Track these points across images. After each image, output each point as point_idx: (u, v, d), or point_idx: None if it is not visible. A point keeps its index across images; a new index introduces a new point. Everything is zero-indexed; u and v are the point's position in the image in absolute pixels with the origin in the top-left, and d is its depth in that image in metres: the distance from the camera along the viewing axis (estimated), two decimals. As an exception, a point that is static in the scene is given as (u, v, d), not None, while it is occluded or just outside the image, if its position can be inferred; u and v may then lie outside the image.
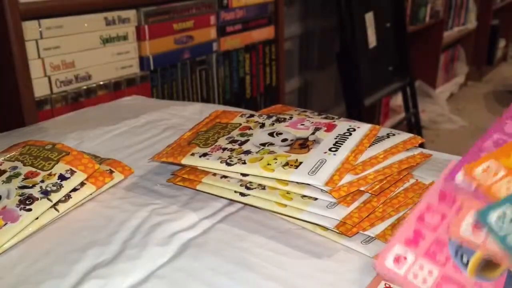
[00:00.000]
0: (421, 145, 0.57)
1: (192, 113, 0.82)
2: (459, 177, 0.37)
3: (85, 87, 1.00)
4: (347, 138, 0.52)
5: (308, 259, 0.44)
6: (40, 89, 0.93)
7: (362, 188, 0.48)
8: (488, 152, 0.38)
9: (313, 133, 0.54)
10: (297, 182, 0.48)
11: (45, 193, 0.49)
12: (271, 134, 0.55)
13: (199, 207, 0.52)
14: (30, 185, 0.50)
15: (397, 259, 0.36)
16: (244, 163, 0.51)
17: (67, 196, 0.51)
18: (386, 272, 0.36)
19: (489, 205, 0.35)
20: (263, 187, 0.50)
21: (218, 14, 1.27)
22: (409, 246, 0.36)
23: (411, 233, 0.37)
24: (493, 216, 0.34)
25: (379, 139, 0.53)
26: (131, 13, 1.06)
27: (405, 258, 0.36)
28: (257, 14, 1.40)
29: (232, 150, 0.53)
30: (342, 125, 0.55)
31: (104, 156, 0.61)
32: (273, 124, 0.57)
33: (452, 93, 2.88)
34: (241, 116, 0.61)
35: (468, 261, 0.34)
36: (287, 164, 0.49)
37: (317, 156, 0.50)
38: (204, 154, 0.54)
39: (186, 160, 0.54)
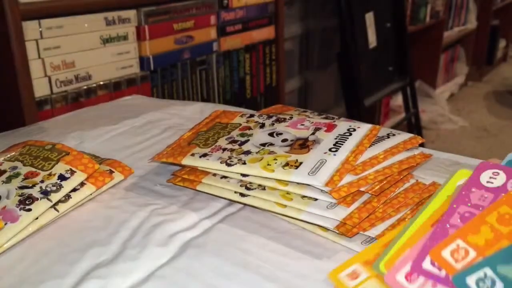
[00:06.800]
0: (421, 145, 0.57)
1: (192, 113, 0.82)
2: (426, 264, 0.34)
3: (85, 87, 1.00)
4: (347, 138, 0.52)
5: (308, 260, 0.44)
6: (40, 89, 0.93)
7: (362, 189, 0.48)
8: (455, 228, 0.35)
9: (313, 133, 0.54)
10: (297, 183, 0.48)
11: (45, 193, 0.49)
12: (271, 134, 0.55)
13: (199, 207, 0.52)
14: (30, 185, 0.50)
15: (409, 274, 0.35)
16: (244, 163, 0.51)
17: (67, 196, 0.51)
18: (395, 285, 0.34)
19: (464, 270, 0.33)
20: (263, 188, 0.50)
21: (218, 14, 1.27)
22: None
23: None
24: (470, 281, 0.33)
25: (379, 139, 0.53)
26: (131, 13, 1.06)
27: (418, 276, 0.35)
28: (257, 14, 1.40)
29: (232, 150, 0.53)
30: (342, 125, 0.55)
31: (104, 156, 0.61)
32: (273, 124, 0.57)
33: (452, 93, 2.88)
34: (241, 116, 0.61)
35: None
36: (287, 164, 0.49)
37: (317, 157, 0.49)
38: (204, 155, 0.54)
39: (186, 161, 0.54)
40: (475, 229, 0.35)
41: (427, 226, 0.37)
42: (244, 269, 0.42)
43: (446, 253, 0.34)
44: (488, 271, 0.32)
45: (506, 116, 2.61)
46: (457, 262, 0.34)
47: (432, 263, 0.34)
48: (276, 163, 0.49)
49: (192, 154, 0.54)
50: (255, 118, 0.59)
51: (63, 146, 0.56)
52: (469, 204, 0.37)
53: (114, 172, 0.57)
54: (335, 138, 0.52)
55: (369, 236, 0.46)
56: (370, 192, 0.48)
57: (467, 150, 2.15)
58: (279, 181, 0.49)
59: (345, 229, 0.45)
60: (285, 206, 0.48)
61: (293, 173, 0.48)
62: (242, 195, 0.51)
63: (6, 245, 0.45)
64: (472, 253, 0.34)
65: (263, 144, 0.53)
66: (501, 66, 3.49)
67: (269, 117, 0.59)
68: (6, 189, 0.49)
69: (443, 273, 0.34)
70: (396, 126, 2.06)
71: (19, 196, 0.49)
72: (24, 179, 0.51)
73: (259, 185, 0.50)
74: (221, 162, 0.52)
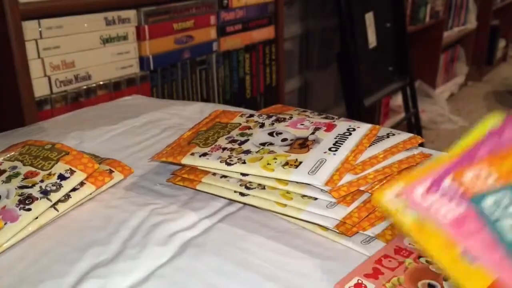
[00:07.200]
0: (421, 145, 0.57)
1: (192, 113, 0.82)
2: (446, 182, 0.36)
3: (85, 87, 1.00)
4: (347, 138, 0.52)
5: (308, 259, 0.44)
6: (40, 89, 0.93)
7: (362, 188, 0.48)
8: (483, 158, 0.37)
9: (313, 133, 0.54)
10: (297, 182, 0.48)
11: (45, 193, 0.49)
12: (271, 134, 0.55)
13: (199, 206, 0.52)
14: (30, 185, 0.50)
15: (427, 190, 0.35)
16: (244, 162, 0.51)
17: (67, 196, 0.51)
18: (411, 199, 0.35)
19: (482, 193, 0.34)
20: (263, 187, 0.50)
21: (218, 14, 1.27)
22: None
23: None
24: (488, 201, 0.34)
25: (379, 139, 0.53)
26: (131, 13, 1.06)
27: (436, 192, 0.35)
28: (257, 14, 1.40)
29: (232, 149, 0.53)
30: (342, 125, 0.55)
31: (104, 156, 0.61)
32: (273, 124, 0.57)
33: (452, 93, 2.88)
34: (241, 116, 0.61)
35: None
36: (287, 163, 0.49)
37: (317, 156, 0.49)
38: (204, 154, 0.54)
39: (186, 160, 0.54)
40: (502, 159, 0.35)
41: (453, 155, 0.37)
42: (244, 268, 0.42)
43: (468, 175, 0.35)
44: (508, 193, 0.33)
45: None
46: (477, 184, 0.34)
47: (452, 183, 0.35)
48: (276, 162, 0.49)
49: (192, 154, 0.54)
50: (255, 118, 0.59)
51: (62, 146, 0.56)
52: (500, 139, 0.37)
53: (114, 171, 0.57)
54: (335, 138, 0.52)
55: (369, 235, 0.46)
56: (370, 191, 0.48)
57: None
58: (279, 180, 0.49)
59: (344, 228, 0.45)
60: (285, 205, 0.48)
61: (293, 172, 0.48)
62: (242, 194, 0.51)
63: (6, 244, 0.45)
64: (494, 176, 0.35)
65: (263, 144, 0.53)
66: (501, 66, 3.49)
67: (269, 117, 0.59)
68: (5, 189, 0.49)
69: (460, 190, 0.35)
70: (396, 126, 2.06)
71: (19, 195, 0.49)
72: (24, 179, 0.51)
73: (259, 185, 0.50)
74: (221, 162, 0.52)
